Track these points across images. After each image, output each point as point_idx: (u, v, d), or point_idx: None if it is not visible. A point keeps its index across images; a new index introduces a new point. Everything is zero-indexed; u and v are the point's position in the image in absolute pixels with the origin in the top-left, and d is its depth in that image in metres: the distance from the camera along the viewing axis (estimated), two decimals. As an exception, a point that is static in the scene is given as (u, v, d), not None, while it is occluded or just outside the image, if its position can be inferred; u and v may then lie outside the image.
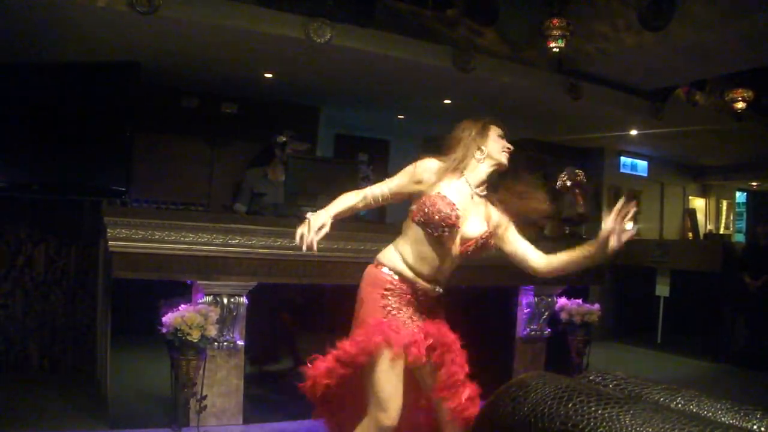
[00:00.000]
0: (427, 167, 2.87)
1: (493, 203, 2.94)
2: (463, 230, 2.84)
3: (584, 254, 2.73)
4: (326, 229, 2.72)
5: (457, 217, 2.78)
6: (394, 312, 2.82)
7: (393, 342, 2.71)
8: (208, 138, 8.10)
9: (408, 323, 2.82)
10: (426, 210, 2.77)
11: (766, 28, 5.71)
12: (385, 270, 2.87)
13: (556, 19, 6.10)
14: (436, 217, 2.75)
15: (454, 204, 2.79)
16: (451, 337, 2.94)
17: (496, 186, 2.96)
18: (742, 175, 13.90)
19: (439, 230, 2.77)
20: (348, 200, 2.90)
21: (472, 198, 2.88)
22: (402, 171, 2.94)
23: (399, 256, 2.87)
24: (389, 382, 2.72)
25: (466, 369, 2.94)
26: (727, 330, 8.10)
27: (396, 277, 2.85)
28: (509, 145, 2.96)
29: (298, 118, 8.47)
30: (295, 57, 6.51)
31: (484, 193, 2.93)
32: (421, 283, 2.86)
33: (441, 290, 2.94)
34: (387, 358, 2.71)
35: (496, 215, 2.92)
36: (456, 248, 2.86)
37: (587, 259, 2.74)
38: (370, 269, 2.94)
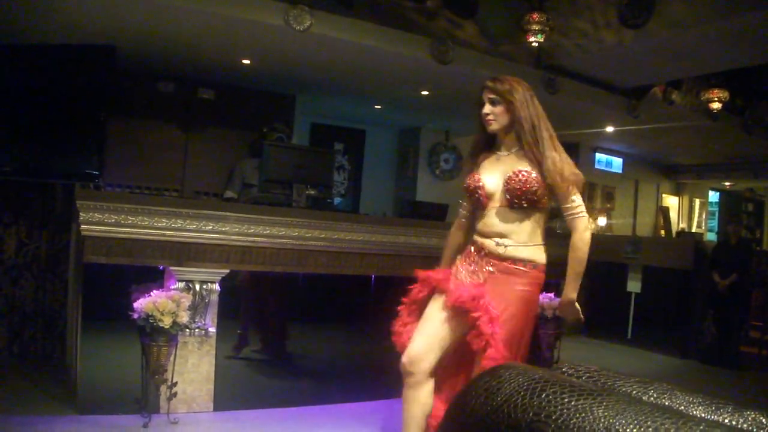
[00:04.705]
0: None
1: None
2: None
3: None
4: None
5: None
6: None
7: None
8: (183, 123, 8.05)
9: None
10: None
11: (743, 29, 5.77)
12: None
13: (536, 13, 6.13)
14: None
15: None
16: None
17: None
18: (715, 175, 14.08)
19: None
20: None
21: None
22: None
23: None
24: None
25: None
26: (695, 327, 8.19)
27: None
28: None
29: (274, 105, 8.45)
30: (274, 44, 6.47)
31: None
32: None
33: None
34: None
35: None
36: None
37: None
38: None
